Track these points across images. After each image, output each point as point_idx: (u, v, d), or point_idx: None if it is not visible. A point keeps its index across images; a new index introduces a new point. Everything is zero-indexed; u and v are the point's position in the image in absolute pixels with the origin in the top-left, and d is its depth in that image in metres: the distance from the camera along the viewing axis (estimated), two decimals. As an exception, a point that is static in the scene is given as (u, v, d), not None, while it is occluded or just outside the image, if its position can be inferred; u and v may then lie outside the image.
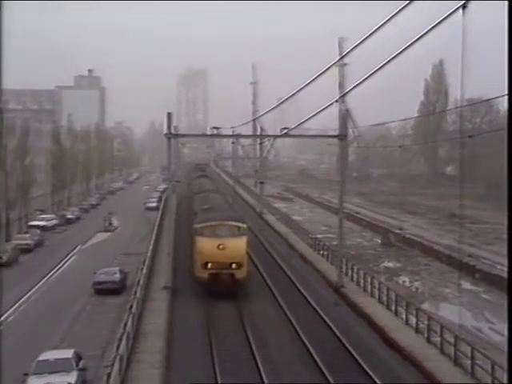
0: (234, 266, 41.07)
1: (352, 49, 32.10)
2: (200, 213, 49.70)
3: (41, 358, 27.65)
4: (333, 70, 43.82)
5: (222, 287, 40.64)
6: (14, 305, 43.16)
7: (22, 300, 44.65)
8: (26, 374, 26.24)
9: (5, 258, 55.60)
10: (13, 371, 27.44)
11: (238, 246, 42.40)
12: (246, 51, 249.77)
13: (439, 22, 23.06)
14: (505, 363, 18.41)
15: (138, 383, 26.71)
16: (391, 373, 28.71)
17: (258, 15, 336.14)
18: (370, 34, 26.85)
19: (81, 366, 27.46)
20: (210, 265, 40.94)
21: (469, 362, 27.68)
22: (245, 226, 45.08)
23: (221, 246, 41.13)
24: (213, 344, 31.97)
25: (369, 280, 44.37)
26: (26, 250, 62.11)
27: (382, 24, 25.75)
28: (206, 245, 41.94)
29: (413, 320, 35.03)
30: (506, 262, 57.50)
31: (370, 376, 27.66)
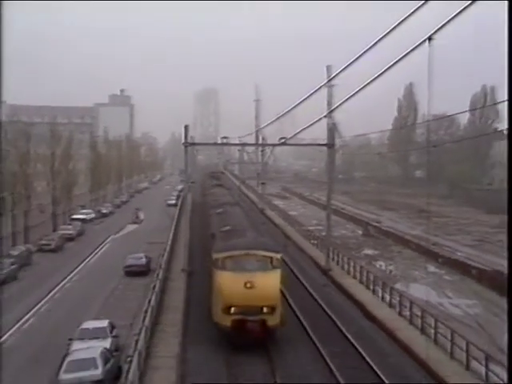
0: (265, 310, 27.28)
1: (337, 73, 32.17)
2: (219, 237, 33.93)
3: (82, 326, 28.03)
4: (322, 90, 43.71)
5: (249, 337, 27.05)
6: (60, 283, 43.70)
7: (66, 279, 45.09)
8: (70, 339, 26.65)
9: (53, 245, 56.42)
10: (61, 336, 28.19)
11: (270, 283, 28.19)
12: (253, 74, 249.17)
13: (410, 51, 23.18)
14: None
15: (161, 348, 26.88)
16: (370, 339, 28.92)
17: (260, 42, 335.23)
18: (353, 61, 27.01)
19: (114, 333, 27.80)
20: (234, 309, 27.27)
21: (433, 330, 27.92)
22: (279, 256, 30.11)
23: (248, 285, 27.32)
24: None
25: (351, 264, 44.48)
26: (70, 238, 62.45)
27: (363, 52, 25.91)
28: (229, 282, 27.97)
29: (387, 297, 35.25)
30: (466, 250, 57.15)
31: (352, 343, 27.99)
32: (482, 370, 23.23)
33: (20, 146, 59.66)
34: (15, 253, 48.79)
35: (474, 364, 24.10)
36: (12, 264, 44.67)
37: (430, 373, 24.68)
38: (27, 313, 35.57)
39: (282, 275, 29.50)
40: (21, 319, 34.22)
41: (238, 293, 27.33)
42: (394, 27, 22.95)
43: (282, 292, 29.61)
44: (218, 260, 29.14)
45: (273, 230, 66.30)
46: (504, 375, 21.21)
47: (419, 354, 26.39)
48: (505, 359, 14.99)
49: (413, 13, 21.09)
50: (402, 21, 22.06)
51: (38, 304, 37.61)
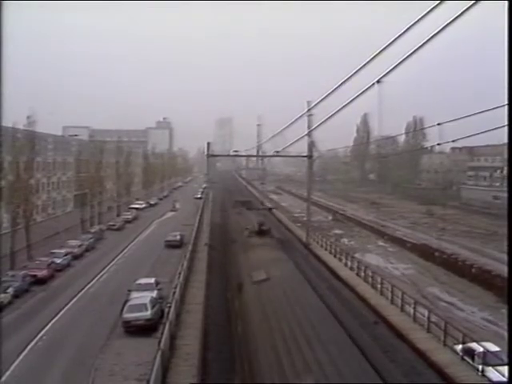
0: None
1: (313, 106, 32.17)
2: None
3: (137, 282, 28.44)
4: (304, 118, 43.65)
5: None
6: (122, 251, 44.00)
7: (126, 249, 45.38)
8: (129, 290, 27.02)
9: (117, 225, 56.84)
10: (124, 287, 28.50)
11: None
12: (256, 107, 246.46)
13: (364, 91, 23.31)
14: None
15: (191, 298, 27.14)
16: (337, 292, 29.00)
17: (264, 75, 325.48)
18: (323, 98, 27.11)
19: (159, 287, 28.00)
20: None
21: (379, 285, 28.18)
22: None
23: None
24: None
25: (324, 240, 44.65)
26: (128, 221, 62.37)
27: (331, 91, 26.05)
28: None
29: (349, 263, 35.45)
30: (403, 230, 56.74)
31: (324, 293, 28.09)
32: (412, 310, 23.57)
33: (96, 157, 60.53)
34: (93, 230, 49.89)
35: (406, 307, 24.42)
36: (91, 238, 45.52)
37: (377, 313, 24.97)
38: (102, 270, 36.21)
39: None
40: (98, 275, 34.92)
41: None
42: (353, 73, 23.16)
43: None
44: None
45: (270, 217, 66.44)
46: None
47: (370, 301, 26.71)
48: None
49: (368, 62, 21.29)
50: (360, 68, 22.26)
51: (108, 265, 38.21)
